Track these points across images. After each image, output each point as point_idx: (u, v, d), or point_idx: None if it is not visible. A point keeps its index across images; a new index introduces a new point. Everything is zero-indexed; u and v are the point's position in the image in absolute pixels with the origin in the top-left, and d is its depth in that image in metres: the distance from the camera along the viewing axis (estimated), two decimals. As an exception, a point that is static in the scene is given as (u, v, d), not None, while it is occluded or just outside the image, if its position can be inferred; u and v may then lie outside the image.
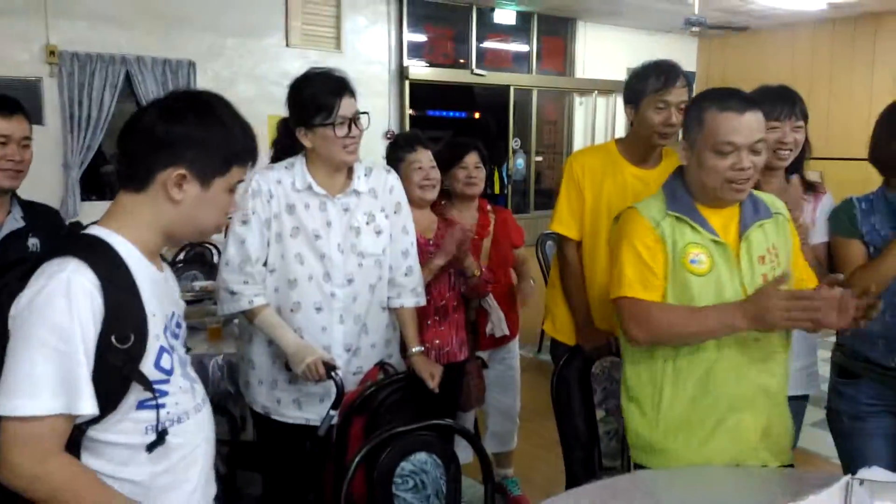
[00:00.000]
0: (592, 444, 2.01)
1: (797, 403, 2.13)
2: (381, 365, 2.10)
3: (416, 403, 1.98)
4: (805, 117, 2.12)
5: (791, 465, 1.80)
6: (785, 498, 1.35)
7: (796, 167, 2.17)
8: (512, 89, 6.38)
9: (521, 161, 6.54)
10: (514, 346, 3.02)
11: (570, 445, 2.11)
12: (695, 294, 1.65)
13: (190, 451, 1.29)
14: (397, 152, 2.59)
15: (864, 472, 1.49)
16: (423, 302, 2.23)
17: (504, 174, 6.36)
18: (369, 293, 2.08)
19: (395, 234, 2.14)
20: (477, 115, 7.04)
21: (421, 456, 1.71)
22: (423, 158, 2.55)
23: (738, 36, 6.48)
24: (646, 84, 2.20)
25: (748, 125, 1.63)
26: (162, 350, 1.23)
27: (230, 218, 1.96)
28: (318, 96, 1.96)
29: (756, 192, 1.76)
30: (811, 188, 2.18)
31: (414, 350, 2.14)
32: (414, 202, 2.38)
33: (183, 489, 1.27)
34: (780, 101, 2.10)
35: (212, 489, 1.37)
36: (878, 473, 1.51)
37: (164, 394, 1.24)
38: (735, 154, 1.63)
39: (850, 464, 1.96)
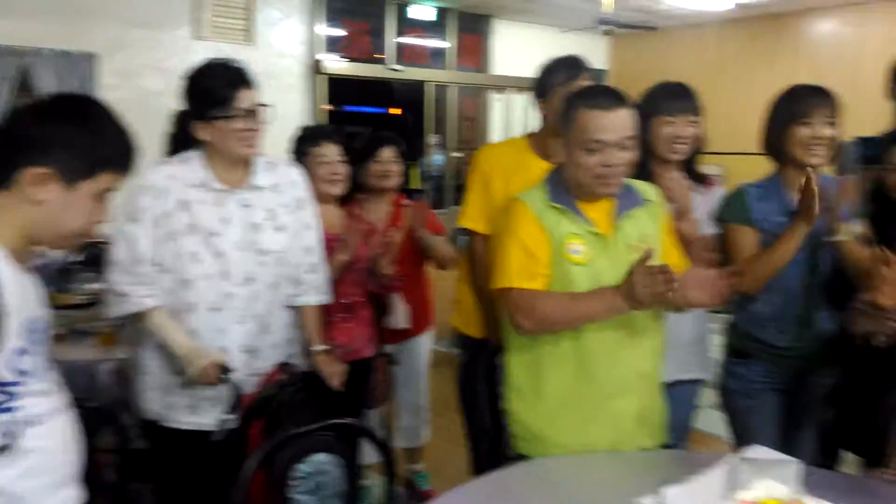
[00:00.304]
0: (499, 436, 2.02)
1: (690, 387, 2.21)
2: (282, 365, 2.04)
3: (319, 403, 1.94)
4: (700, 112, 2.18)
5: (671, 446, 1.86)
6: (674, 479, 1.39)
7: (690, 161, 2.23)
8: (429, 85, 6.36)
9: (438, 157, 6.54)
10: (421, 341, 3.01)
11: (476, 438, 2.12)
12: (575, 283, 1.68)
13: (48, 457, 1.24)
14: (302, 146, 2.55)
15: (748, 451, 1.56)
16: (327, 299, 2.19)
17: (423, 169, 6.34)
18: (271, 292, 2.01)
19: (298, 231, 2.09)
20: (395, 111, 6.99)
21: (320, 457, 1.68)
22: (329, 152, 2.51)
23: (649, 35, 6.66)
24: (554, 77, 2.25)
25: (617, 122, 1.66)
26: (18, 351, 1.18)
27: (119, 227, 1.88)
28: (215, 88, 1.89)
29: (630, 181, 1.80)
30: (702, 180, 2.25)
31: (317, 349, 2.10)
32: (319, 197, 2.33)
33: (41, 495, 1.23)
34: (675, 97, 2.16)
35: (76, 494, 1.31)
36: (762, 452, 1.58)
37: (17, 396, 1.19)
38: (603, 151, 1.66)
39: (740, 440, 2.05)
